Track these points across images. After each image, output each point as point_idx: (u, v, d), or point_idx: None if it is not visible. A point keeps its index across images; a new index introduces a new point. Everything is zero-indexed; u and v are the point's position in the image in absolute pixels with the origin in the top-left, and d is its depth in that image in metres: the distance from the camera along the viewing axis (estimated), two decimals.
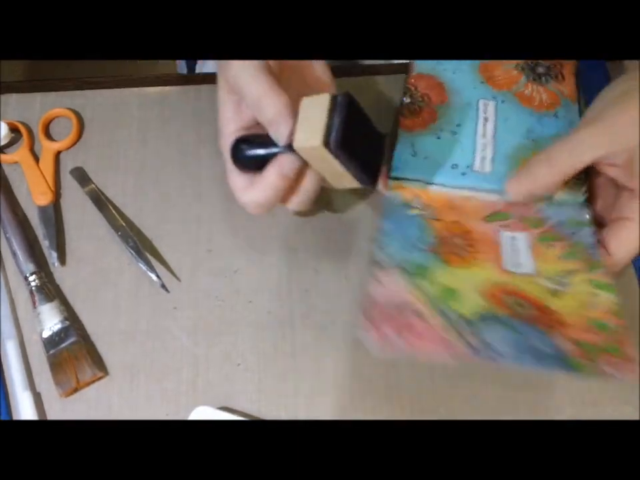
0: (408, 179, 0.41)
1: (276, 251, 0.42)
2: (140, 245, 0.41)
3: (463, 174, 0.41)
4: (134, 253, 0.41)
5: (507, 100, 0.44)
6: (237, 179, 0.38)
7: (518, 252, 0.38)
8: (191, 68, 0.63)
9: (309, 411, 0.37)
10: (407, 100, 0.44)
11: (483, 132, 0.42)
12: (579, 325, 0.34)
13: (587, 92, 0.45)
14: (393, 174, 0.41)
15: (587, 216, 0.39)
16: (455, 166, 0.41)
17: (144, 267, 0.41)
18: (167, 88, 0.48)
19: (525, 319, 0.34)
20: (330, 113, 0.34)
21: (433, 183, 0.41)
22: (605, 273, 0.36)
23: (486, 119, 0.43)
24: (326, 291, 0.41)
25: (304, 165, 0.36)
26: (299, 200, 0.38)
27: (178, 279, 0.41)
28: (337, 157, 0.35)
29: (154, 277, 0.41)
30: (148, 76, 0.48)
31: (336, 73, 0.40)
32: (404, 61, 0.47)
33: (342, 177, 0.37)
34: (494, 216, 0.40)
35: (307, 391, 0.38)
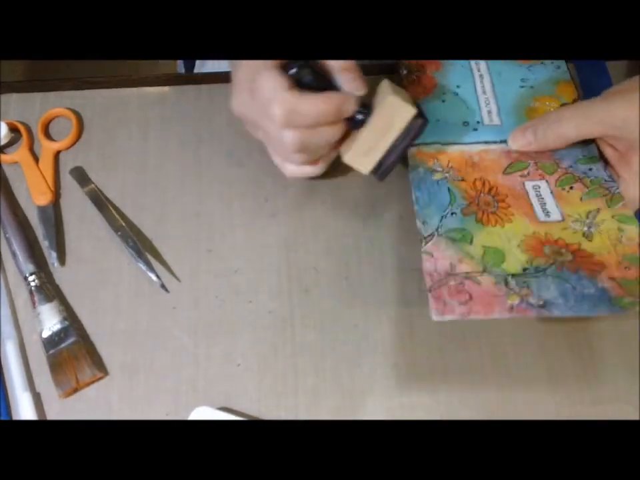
0: (425, 143, 0.43)
1: (276, 251, 0.42)
2: (140, 245, 0.41)
3: (475, 130, 0.43)
4: (134, 253, 0.41)
5: None
6: (292, 94, 0.35)
7: (544, 200, 0.39)
8: (189, 68, 0.63)
9: (309, 411, 0.37)
10: (404, 72, 0.46)
11: (482, 89, 0.45)
12: (615, 262, 0.36)
13: (587, 92, 0.45)
14: None
15: (596, 150, 0.41)
16: (465, 123, 0.43)
17: (144, 267, 0.41)
18: (167, 88, 0.48)
19: (567, 266, 0.36)
20: (402, 132, 0.37)
21: (449, 143, 0.43)
22: (625, 205, 0.39)
23: (481, 76, 0.45)
24: (326, 290, 0.41)
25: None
26: (323, 160, 0.39)
27: (178, 279, 0.41)
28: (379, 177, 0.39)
29: (154, 277, 0.41)
30: (148, 76, 0.48)
31: None
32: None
33: (368, 157, 0.39)
34: (513, 166, 0.41)
35: (307, 391, 0.38)
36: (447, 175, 0.41)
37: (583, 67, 0.47)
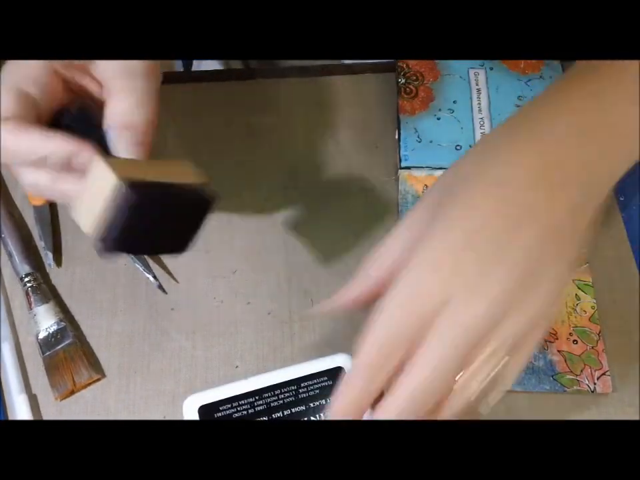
0: (417, 167, 0.43)
1: (275, 251, 0.42)
2: None
3: None
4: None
5: (494, 66, 0.46)
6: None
7: None
8: (187, 67, 0.63)
9: None
10: (401, 81, 0.46)
11: (479, 106, 0.44)
12: (565, 334, 0.38)
13: None
14: (403, 164, 0.43)
15: None
16: (458, 147, 0.43)
17: (141, 268, 0.40)
18: (167, 87, 0.48)
19: None
20: (112, 204, 0.28)
21: (440, 168, 0.43)
22: (588, 269, 0.40)
23: (479, 90, 0.45)
24: (326, 291, 0.40)
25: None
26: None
27: (175, 280, 0.41)
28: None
29: (151, 278, 0.40)
30: None
31: (334, 72, 0.41)
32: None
33: (88, 218, 0.30)
34: None
35: None
36: None
37: None
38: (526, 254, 0.25)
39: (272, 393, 0.31)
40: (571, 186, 0.27)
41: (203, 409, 0.31)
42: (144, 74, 0.32)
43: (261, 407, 0.31)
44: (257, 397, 0.31)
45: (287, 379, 0.31)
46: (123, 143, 0.30)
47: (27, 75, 0.31)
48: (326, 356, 0.33)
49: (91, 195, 0.29)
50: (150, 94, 0.32)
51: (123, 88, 0.32)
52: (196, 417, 0.31)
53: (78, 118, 0.31)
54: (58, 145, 0.29)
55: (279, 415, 0.31)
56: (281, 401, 0.31)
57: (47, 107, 0.31)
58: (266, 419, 0.31)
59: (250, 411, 0.31)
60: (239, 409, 0.31)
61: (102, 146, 0.30)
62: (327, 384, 0.32)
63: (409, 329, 0.25)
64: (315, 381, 0.32)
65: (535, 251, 0.26)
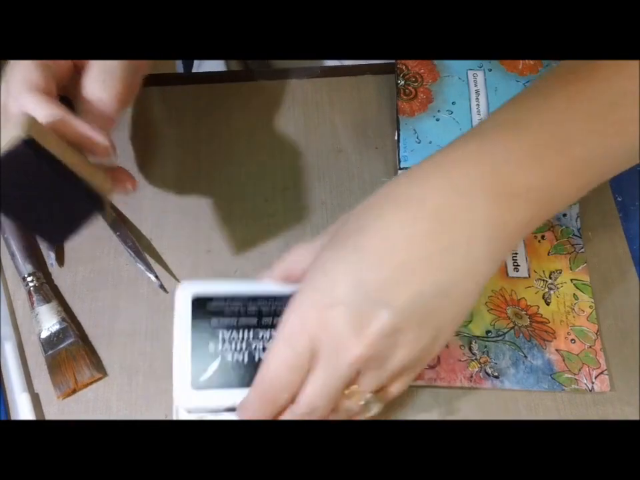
0: None
1: (276, 251, 0.42)
2: (139, 245, 0.41)
3: None
4: (132, 254, 0.41)
5: (493, 67, 0.46)
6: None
7: (516, 250, 0.41)
8: (188, 67, 0.63)
9: None
10: (400, 82, 0.46)
11: (477, 107, 0.45)
12: (564, 333, 0.38)
13: None
14: (402, 165, 0.43)
15: None
16: None
17: (143, 268, 0.41)
18: (167, 88, 0.48)
19: (524, 333, 0.38)
20: (4, 151, 0.27)
21: None
22: (586, 269, 0.40)
23: (477, 92, 0.45)
24: None
25: None
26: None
27: (177, 279, 0.41)
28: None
29: (153, 278, 0.40)
30: (148, 76, 0.48)
31: (333, 73, 0.41)
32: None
33: None
34: None
35: None
36: None
37: None
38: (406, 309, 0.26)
39: (266, 301, 0.33)
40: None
41: (197, 301, 0.33)
42: (122, 69, 0.33)
43: (252, 309, 0.32)
44: (250, 301, 0.32)
45: (283, 293, 0.32)
46: (88, 115, 0.31)
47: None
48: None
49: None
50: (123, 74, 0.33)
51: (97, 64, 0.32)
52: (189, 305, 0.33)
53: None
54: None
55: (267, 320, 0.32)
56: (273, 309, 0.32)
57: (59, 77, 0.32)
58: (255, 321, 0.32)
59: (241, 310, 0.32)
60: (230, 306, 0.32)
61: None
62: None
63: (293, 369, 0.28)
64: None
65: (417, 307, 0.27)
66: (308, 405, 0.28)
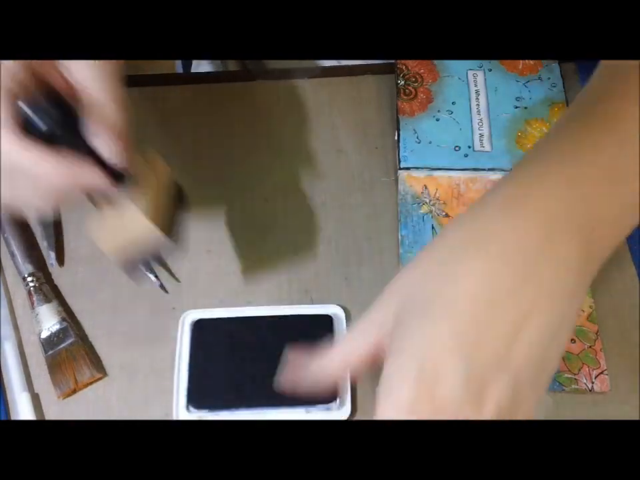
0: (416, 168, 0.43)
1: (275, 251, 0.42)
2: None
3: (466, 155, 0.43)
4: None
5: (493, 67, 0.47)
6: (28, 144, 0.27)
7: None
8: (187, 67, 0.63)
9: None
10: (401, 82, 0.46)
11: (477, 107, 0.45)
12: None
13: None
14: (403, 164, 0.43)
15: None
16: (457, 148, 0.43)
17: (142, 268, 0.40)
18: (167, 88, 0.48)
19: None
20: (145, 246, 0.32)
21: (439, 169, 0.43)
22: None
23: (477, 92, 0.45)
24: (326, 291, 0.40)
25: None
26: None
27: (177, 279, 0.41)
28: None
29: (152, 278, 0.40)
30: (148, 76, 0.48)
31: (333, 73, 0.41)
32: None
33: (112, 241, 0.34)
34: None
35: None
36: (432, 207, 0.42)
37: (583, 68, 0.47)
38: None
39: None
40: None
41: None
42: (113, 72, 0.33)
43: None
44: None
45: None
46: (110, 146, 0.31)
47: (7, 74, 0.30)
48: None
49: (117, 225, 0.33)
50: (121, 93, 0.33)
51: (101, 91, 0.32)
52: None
53: (47, 119, 0.29)
54: (63, 168, 0.28)
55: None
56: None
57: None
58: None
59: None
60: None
61: (84, 146, 0.30)
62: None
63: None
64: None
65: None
66: None
